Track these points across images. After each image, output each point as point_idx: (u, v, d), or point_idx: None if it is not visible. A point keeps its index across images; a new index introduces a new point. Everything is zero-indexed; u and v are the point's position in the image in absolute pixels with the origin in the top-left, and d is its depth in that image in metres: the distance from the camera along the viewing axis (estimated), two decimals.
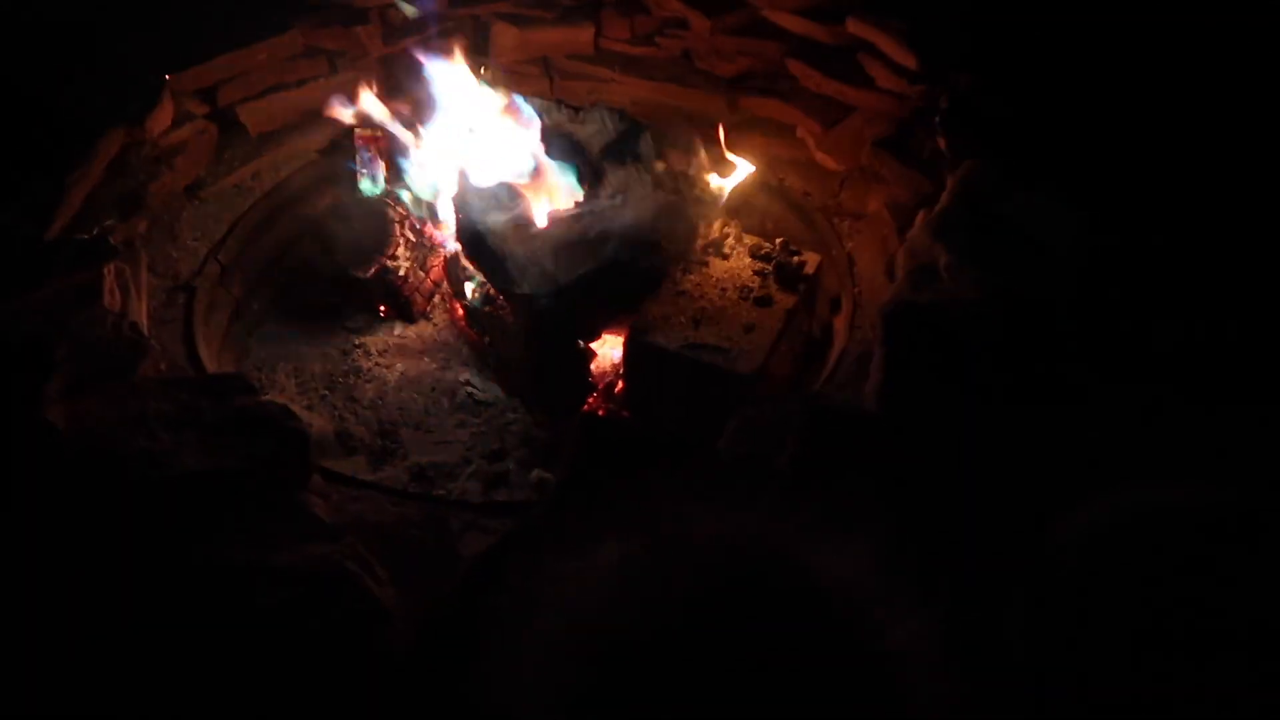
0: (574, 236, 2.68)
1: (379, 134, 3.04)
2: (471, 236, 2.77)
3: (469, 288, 2.99)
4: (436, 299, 3.16)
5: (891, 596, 0.86)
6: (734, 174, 3.04)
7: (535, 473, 2.60)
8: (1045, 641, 0.91)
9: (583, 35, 3.31)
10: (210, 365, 2.60)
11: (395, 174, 3.07)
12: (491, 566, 1.37)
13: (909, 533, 1.15)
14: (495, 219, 2.72)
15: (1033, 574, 0.99)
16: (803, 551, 0.87)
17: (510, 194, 2.78)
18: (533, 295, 2.65)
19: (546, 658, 0.82)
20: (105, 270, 2.24)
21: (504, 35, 3.24)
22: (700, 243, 3.00)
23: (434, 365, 2.97)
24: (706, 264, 2.86)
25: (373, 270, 2.99)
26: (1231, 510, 1.01)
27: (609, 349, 2.90)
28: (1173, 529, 0.98)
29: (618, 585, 0.84)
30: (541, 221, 2.74)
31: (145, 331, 2.37)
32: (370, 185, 3.07)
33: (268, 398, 2.14)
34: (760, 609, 0.82)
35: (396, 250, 3.03)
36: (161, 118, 2.78)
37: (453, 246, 3.01)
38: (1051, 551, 1.01)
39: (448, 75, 3.03)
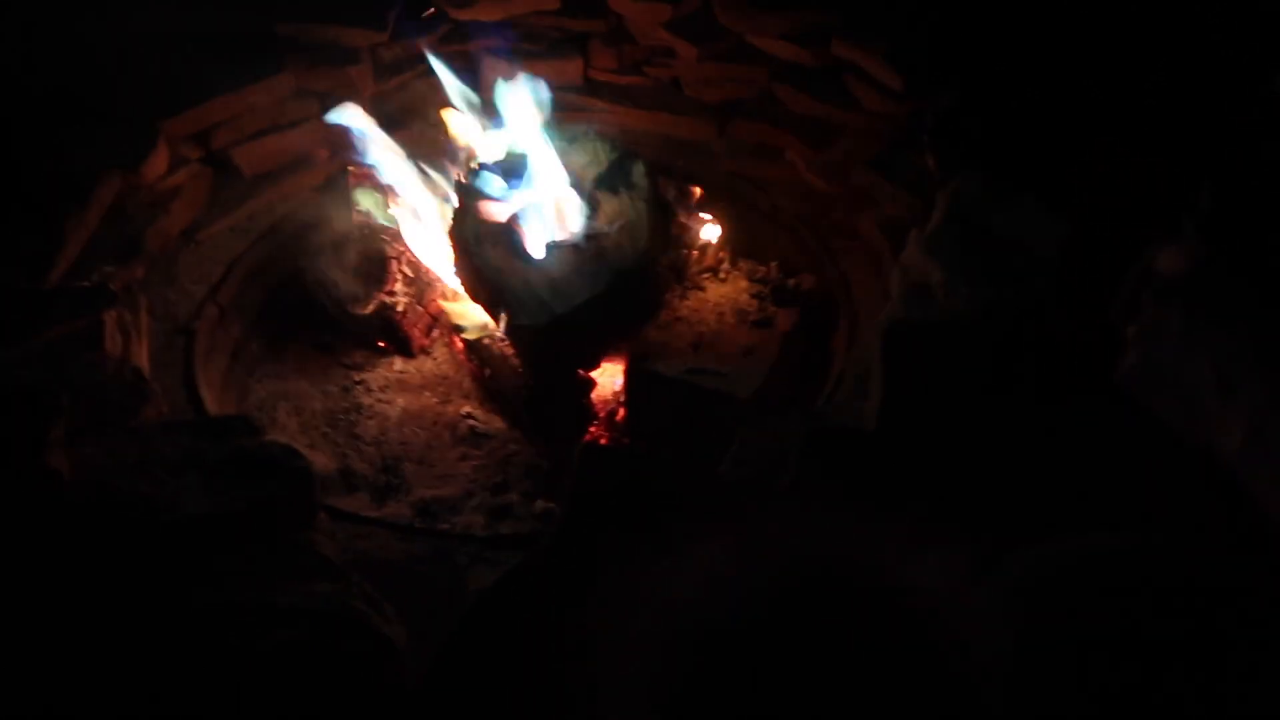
0: (570, 266, 2.70)
1: (373, 169, 3.07)
2: (469, 269, 2.79)
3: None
4: (435, 333, 3.17)
5: (975, 610, 0.88)
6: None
7: (539, 503, 2.60)
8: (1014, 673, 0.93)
9: (571, 67, 3.36)
10: (212, 407, 2.61)
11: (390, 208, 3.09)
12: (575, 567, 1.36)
13: (993, 549, 1.15)
14: (492, 251, 2.74)
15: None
16: (890, 561, 0.89)
17: (506, 226, 2.80)
18: (530, 326, 2.66)
19: (643, 651, 0.84)
20: (106, 316, 2.25)
21: (494, 70, 3.28)
22: (696, 268, 3.02)
23: (435, 399, 2.98)
24: (703, 289, 2.88)
25: (371, 306, 3.01)
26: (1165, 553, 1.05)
27: (609, 377, 2.91)
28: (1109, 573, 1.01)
29: (710, 585, 0.87)
30: (538, 252, 2.76)
31: (146, 375, 2.38)
32: (366, 218, 3.08)
33: (270, 438, 2.14)
34: (850, 614, 0.84)
35: (394, 285, 3.05)
36: (157, 163, 2.80)
37: (450, 280, 3.02)
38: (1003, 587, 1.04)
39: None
